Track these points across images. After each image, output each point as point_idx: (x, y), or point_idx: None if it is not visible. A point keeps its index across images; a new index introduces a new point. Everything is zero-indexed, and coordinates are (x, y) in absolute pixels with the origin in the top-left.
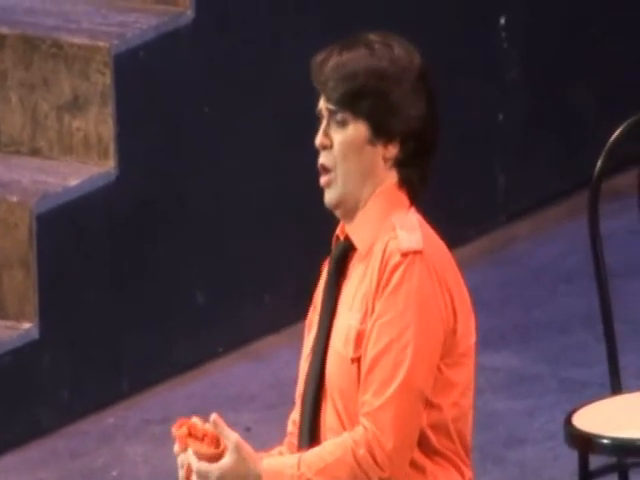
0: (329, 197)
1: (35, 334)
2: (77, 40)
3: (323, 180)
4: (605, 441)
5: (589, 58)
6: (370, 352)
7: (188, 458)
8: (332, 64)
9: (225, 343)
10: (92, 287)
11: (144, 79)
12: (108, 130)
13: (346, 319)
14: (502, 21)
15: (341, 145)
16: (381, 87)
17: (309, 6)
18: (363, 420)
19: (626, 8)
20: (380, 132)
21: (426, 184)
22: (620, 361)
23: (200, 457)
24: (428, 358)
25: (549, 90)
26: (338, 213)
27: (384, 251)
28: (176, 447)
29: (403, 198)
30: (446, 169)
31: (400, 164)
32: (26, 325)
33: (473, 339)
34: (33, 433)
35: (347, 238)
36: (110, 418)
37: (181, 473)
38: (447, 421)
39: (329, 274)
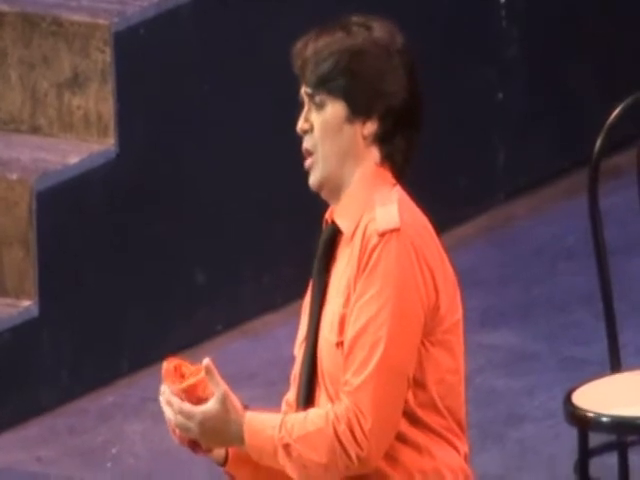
0: (312, 180)
1: (35, 312)
2: (77, 18)
3: (306, 164)
4: (604, 419)
5: (588, 37)
6: (349, 333)
7: (169, 396)
8: (309, 49)
9: (224, 321)
10: (92, 265)
11: (144, 57)
12: (108, 108)
13: (333, 305)
14: (502, 0)
15: (320, 127)
16: (355, 65)
17: None
18: (344, 398)
19: None
20: (357, 110)
21: (409, 159)
22: (620, 339)
23: (182, 397)
24: (407, 336)
25: (548, 69)
26: (323, 195)
27: (364, 234)
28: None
29: (387, 175)
30: (445, 148)
31: (380, 140)
32: (26, 303)
33: (458, 315)
34: (32, 411)
35: (334, 222)
36: (109, 396)
37: (168, 412)
38: (434, 398)
39: (318, 259)
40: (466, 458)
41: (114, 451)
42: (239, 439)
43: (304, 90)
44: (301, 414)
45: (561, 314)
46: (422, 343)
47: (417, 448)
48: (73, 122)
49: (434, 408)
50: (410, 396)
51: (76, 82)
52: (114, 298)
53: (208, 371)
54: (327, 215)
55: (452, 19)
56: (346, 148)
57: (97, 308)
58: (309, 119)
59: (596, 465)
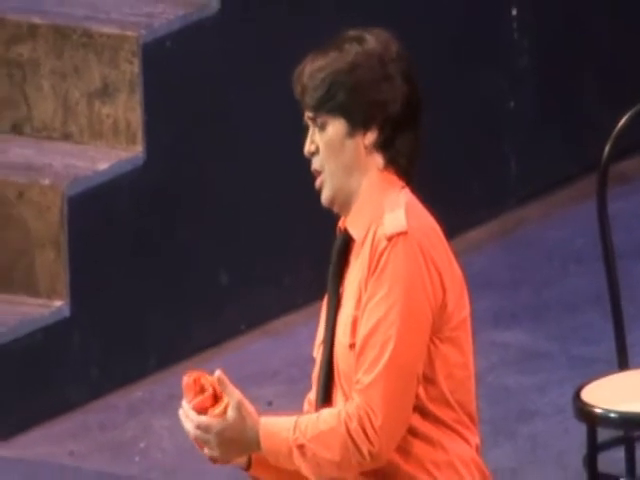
0: (323, 198)
1: (66, 312)
2: (106, 30)
3: (317, 183)
4: (612, 415)
5: (595, 47)
6: (361, 333)
7: (188, 410)
8: (306, 75)
9: (247, 321)
10: (120, 267)
11: (170, 68)
12: (136, 117)
13: (346, 308)
14: (514, 12)
15: (324, 146)
16: (349, 81)
17: None
18: (355, 397)
19: (629, 3)
20: (356, 123)
21: (413, 160)
22: (627, 339)
23: (200, 411)
24: (415, 335)
25: (557, 78)
26: (336, 209)
27: (373, 238)
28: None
29: (393, 179)
30: (459, 155)
31: (382, 147)
32: (57, 303)
33: (466, 312)
34: (64, 407)
35: (346, 230)
36: (138, 392)
37: (188, 425)
38: (445, 393)
39: (332, 266)
40: (478, 449)
41: (142, 446)
42: (256, 444)
43: (306, 114)
44: (314, 414)
45: (571, 315)
46: (431, 340)
47: (430, 441)
48: (103, 130)
49: (445, 402)
50: (421, 391)
51: (106, 92)
52: (142, 298)
53: (221, 382)
54: (340, 224)
55: (467, 31)
56: (350, 161)
57: (126, 308)
58: (314, 141)
59: (604, 459)
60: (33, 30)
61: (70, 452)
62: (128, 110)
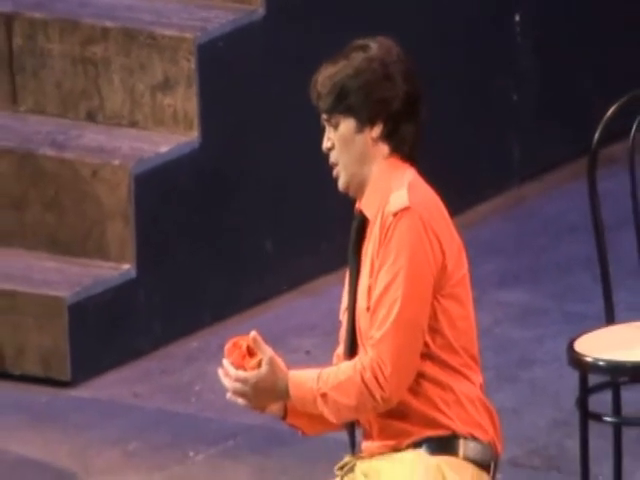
0: (339, 185)
1: (133, 274)
2: (168, 32)
3: (334, 174)
4: (601, 363)
5: (589, 49)
6: (374, 297)
7: (227, 367)
8: (319, 83)
9: (288, 282)
10: (180, 235)
11: (222, 64)
12: (192, 106)
13: (364, 278)
14: (517, 18)
15: (338, 142)
16: (355, 85)
17: (367, 4)
18: (369, 350)
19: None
20: (364, 120)
21: (416, 146)
22: (613, 298)
23: (238, 366)
24: (419, 295)
25: (556, 76)
26: (351, 194)
27: (382, 216)
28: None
29: (398, 163)
30: (470, 141)
31: (387, 137)
32: (125, 266)
33: (464, 270)
34: (130, 355)
35: (361, 212)
36: (194, 343)
37: (226, 382)
38: (450, 341)
39: (351, 243)
40: (481, 387)
41: (197, 388)
42: (286, 393)
43: (322, 117)
44: (334, 367)
45: (565, 277)
46: (435, 297)
47: (439, 384)
48: (164, 118)
49: (451, 349)
50: (430, 341)
51: (167, 85)
52: (199, 262)
53: (255, 341)
54: (356, 206)
55: (477, 35)
56: (360, 153)
57: (185, 271)
58: (330, 138)
59: (594, 401)
60: (105, 32)
61: (135, 394)
62: (186, 101)
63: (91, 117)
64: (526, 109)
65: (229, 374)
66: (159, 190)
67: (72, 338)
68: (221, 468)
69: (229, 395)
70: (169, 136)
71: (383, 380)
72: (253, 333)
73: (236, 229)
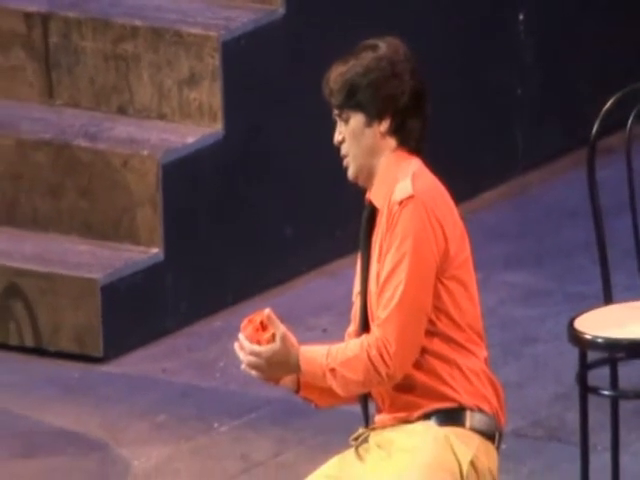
0: (349, 175)
1: (161, 257)
2: (193, 31)
3: (344, 164)
4: (599, 340)
5: (589, 46)
6: (380, 280)
7: (242, 341)
8: (331, 80)
9: (306, 264)
10: (205, 220)
11: (245, 61)
12: (217, 100)
13: (374, 264)
14: (521, 17)
15: (349, 136)
16: (364, 82)
17: (381, 5)
18: (374, 329)
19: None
20: (373, 115)
21: (422, 139)
22: (611, 279)
23: (252, 341)
24: (423, 278)
25: (557, 71)
26: (360, 184)
27: (389, 205)
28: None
29: (405, 155)
30: (477, 132)
31: (394, 131)
32: (154, 250)
33: (466, 253)
34: (159, 333)
35: (371, 202)
36: (217, 322)
37: (241, 355)
38: (456, 319)
39: (361, 232)
40: (486, 361)
41: (221, 364)
42: (297, 367)
43: (334, 112)
44: (342, 344)
45: (566, 260)
46: (439, 280)
47: (445, 359)
48: (190, 111)
49: (457, 326)
50: (436, 320)
51: (192, 80)
52: (222, 246)
53: (269, 318)
54: (367, 196)
55: (484, 33)
56: (369, 146)
57: (209, 254)
58: (341, 132)
59: (593, 376)
60: (135, 31)
61: (163, 369)
62: (210, 95)
63: (122, 110)
64: (529, 102)
65: (244, 347)
66: (185, 178)
67: (104, 317)
68: (243, 439)
69: (243, 367)
70: (195, 128)
71: (388, 358)
72: (267, 310)
73: (257, 215)
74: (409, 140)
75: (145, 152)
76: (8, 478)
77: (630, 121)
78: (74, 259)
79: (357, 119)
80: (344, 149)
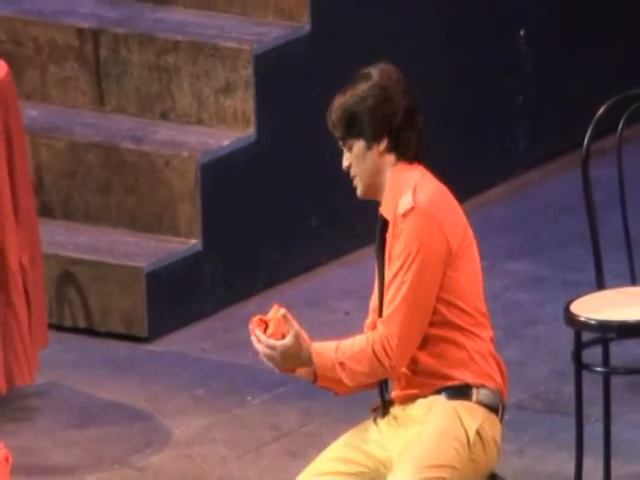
0: (358, 194)
1: (199, 247)
2: (229, 44)
3: (354, 184)
4: (593, 322)
5: (583, 58)
6: (387, 280)
7: (260, 335)
8: (333, 112)
9: (330, 254)
10: (238, 215)
11: (275, 72)
12: (250, 107)
13: (387, 272)
14: (522, 32)
15: (354, 161)
16: (360, 109)
17: (406, 22)
18: (379, 326)
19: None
20: (370, 139)
21: (420, 149)
22: (603, 267)
23: (267, 335)
24: (425, 278)
25: (555, 81)
26: (370, 198)
27: (395, 218)
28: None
29: (406, 167)
30: (480, 136)
31: (392, 149)
32: (193, 241)
33: (468, 242)
34: (197, 316)
35: (382, 215)
36: (250, 306)
37: (258, 346)
38: (463, 307)
39: (376, 243)
40: (492, 340)
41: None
42: (309, 360)
43: (339, 142)
44: (350, 340)
45: (563, 250)
46: (445, 273)
47: (455, 344)
48: (226, 117)
49: (464, 312)
50: (445, 311)
51: (228, 89)
52: (254, 237)
53: (285, 317)
54: (379, 211)
55: (488, 45)
56: (372, 167)
57: (242, 244)
58: (347, 158)
59: (587, 354)
60: (176, 45)
61: (201, 348)
62: (244, 102)
63: (164, 116)
64: (530, 108)
65: (261, 340)
66: (221, 177)
67: (149, 301)
68: (274, 410)
69: (260, 356)
70: (229, 132)
71: (390, 351)
72: (283, 310)
73: (286, 208)
74: (407, 152)
75: (185, 153)
76: (67, 444)
77: (621, 126)
78: (122, 249)
79: (358, 145)
80: (352, 172)
